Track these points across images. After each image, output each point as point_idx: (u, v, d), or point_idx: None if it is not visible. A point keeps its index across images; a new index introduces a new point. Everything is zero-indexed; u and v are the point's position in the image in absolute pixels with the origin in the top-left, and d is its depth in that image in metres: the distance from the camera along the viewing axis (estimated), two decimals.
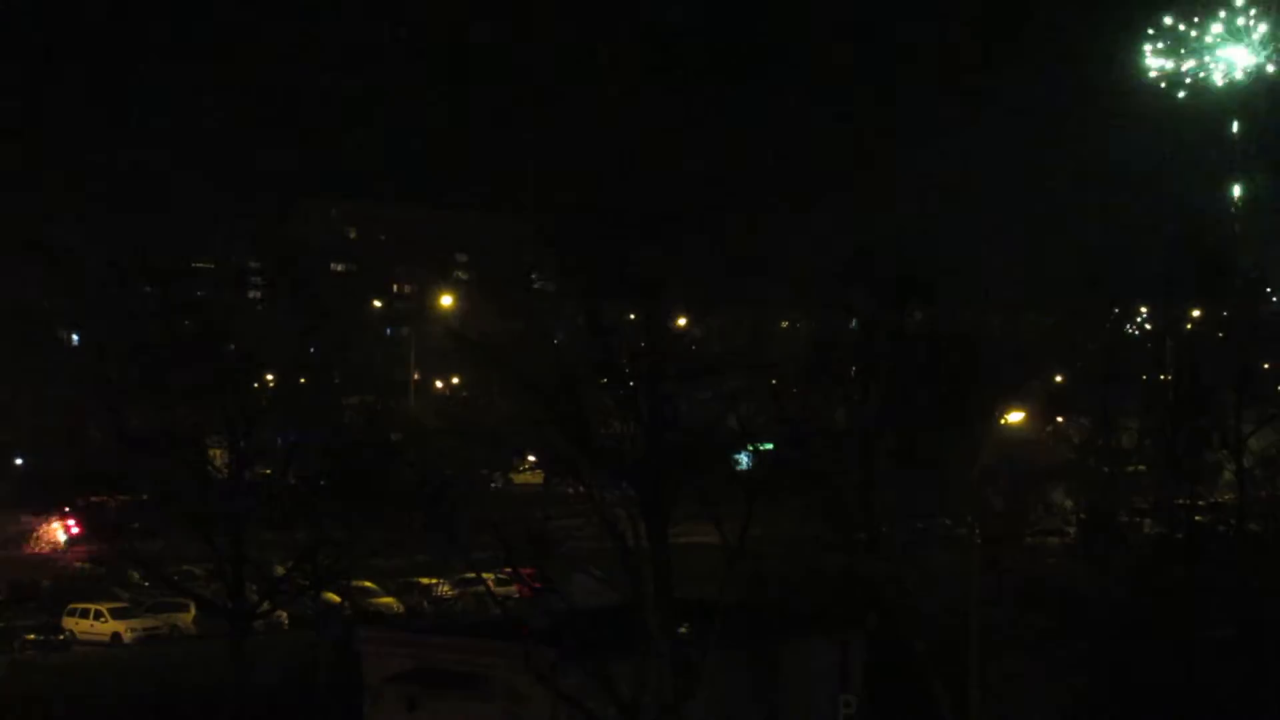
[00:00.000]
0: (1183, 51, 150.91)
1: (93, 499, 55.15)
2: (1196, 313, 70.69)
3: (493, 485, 48.24)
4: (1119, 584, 50.12)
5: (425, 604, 77.20)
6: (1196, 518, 56.52)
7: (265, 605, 55.92)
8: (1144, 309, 75.63)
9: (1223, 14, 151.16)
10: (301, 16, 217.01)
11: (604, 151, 42.09)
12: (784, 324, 55.32)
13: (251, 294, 67.63)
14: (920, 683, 45.17)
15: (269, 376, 57.91)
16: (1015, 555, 49.71)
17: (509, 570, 47.39)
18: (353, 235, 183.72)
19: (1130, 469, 59.42)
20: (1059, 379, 64.86)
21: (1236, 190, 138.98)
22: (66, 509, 57.48)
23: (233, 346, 56.14)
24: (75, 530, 60.40)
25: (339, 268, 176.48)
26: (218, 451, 54.97)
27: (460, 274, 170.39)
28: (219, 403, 53.71)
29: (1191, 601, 48.84)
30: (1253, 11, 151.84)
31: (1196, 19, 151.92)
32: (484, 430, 45.13)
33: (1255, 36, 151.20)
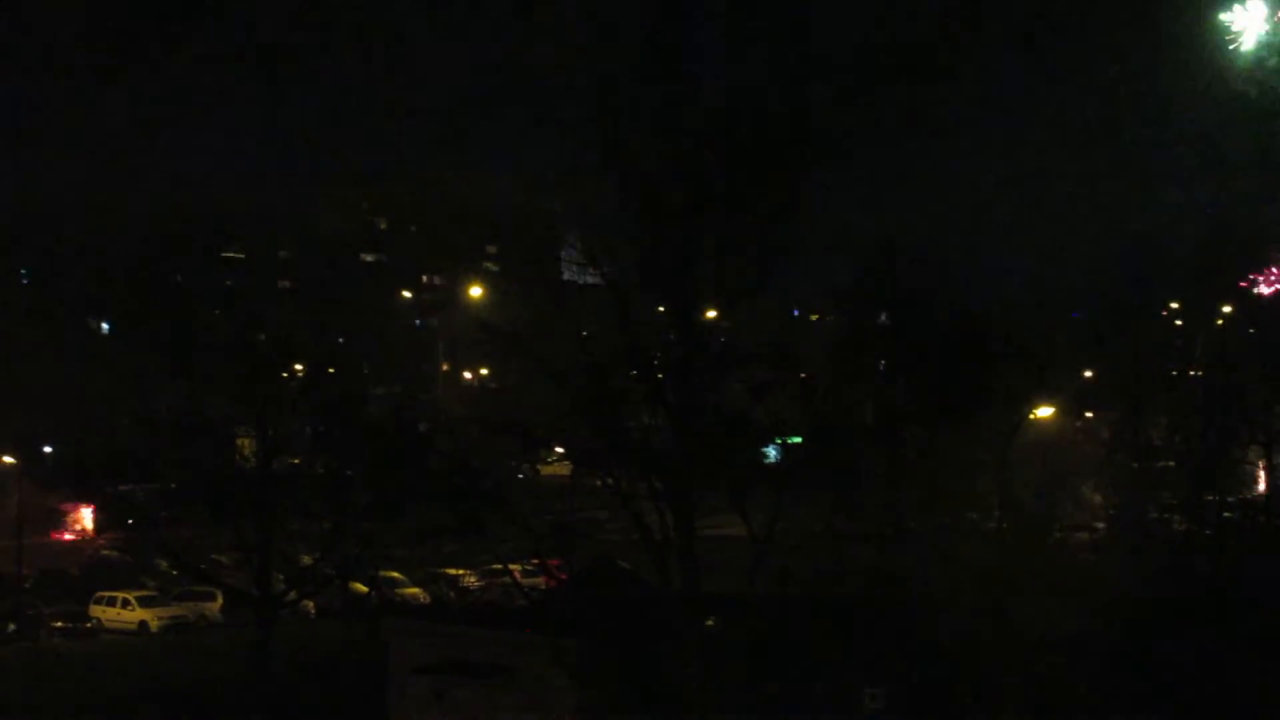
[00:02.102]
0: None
1: (121, 487, 55.31)
2: (1227, 308, 70.47)
3: (519, 476, 48.24)
4: (1148, 580, 49.95)
5: (451, 594, 77.34)
6: (1226, 514, 56.37)
7: (292, 595, 56.04)
8: (1174, 304, 75.44)
9: None
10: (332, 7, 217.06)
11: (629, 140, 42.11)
12: (814, 316, 55.23)
13: (282, 284, 67.78)
14: (947, 678, 45.06)
15: (298, 366, 58.03)
16: (1044, 551, 49.61)
17: (536, 561, 47.39)
18: (383, 226, 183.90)
19: (1160, 464, 59.25)
20: (1089, 374, 64.70)
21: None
22: (94, 496, 57.64)
23: (263, 336, 56.30)
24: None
25: (369, 259, 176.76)
26: (246, 440, 55.11)
27: (490, 265, 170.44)
28: (248, 392, 53.85)
29: (1221, 597, 48.66)
30: None
31: None
32: (512, 421, 45.10)
33: None
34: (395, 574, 75.71)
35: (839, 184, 42.83)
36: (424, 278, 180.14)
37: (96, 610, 77.81)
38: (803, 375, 45.93)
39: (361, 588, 65.24)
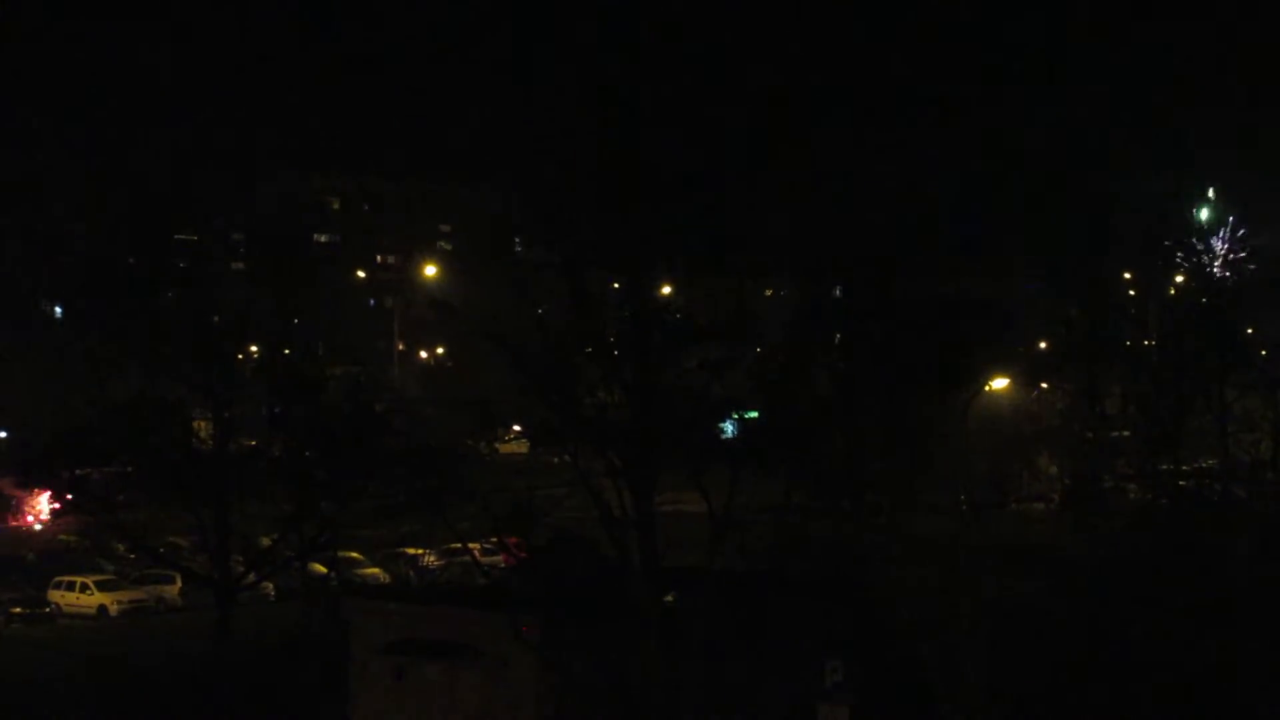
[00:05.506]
0: None
1: (77, 471, 55.07)
2: (1180, 278, 70.91)
3: (477, 454, 48.18)
4: (1103, 548, 50.28)
5: (411, 574, 77.25)
6: (1180, 483, 56.72)
7: (251, 577, 55.90)
8: (1127, 274, 75.85)
9: None
10: None
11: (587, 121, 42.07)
12: (769, 292, 55.29)
13: (235, 265, 67.53)
14: (906, 649, 45.28)
15: (253, 347, 57.86)
16: (1000, 521, 49.92)
17: (494, 540, 47.41)
18: (336, 206, 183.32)
19: (1114, 434, 59.57)
20: (1043, 345, 65.00)
21: None
22: (50, 481, 57.38)
23: (216, 318, 56.10)
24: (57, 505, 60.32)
25: (322, 239, 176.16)
26: (202, 423, 54.95)
27: (444, 244, 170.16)
28: (203, 374, 53.67)
29: (1174, 565, 48.99)
30: None
31: None
32: (469, 400, 45.09)
33: None
34: (354, 554, 75.65)
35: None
36: (379, 257, 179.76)
37: (55, 595, 77.46)
38: (759, 350, 46.00)
39: (321, 569, 65.17)
